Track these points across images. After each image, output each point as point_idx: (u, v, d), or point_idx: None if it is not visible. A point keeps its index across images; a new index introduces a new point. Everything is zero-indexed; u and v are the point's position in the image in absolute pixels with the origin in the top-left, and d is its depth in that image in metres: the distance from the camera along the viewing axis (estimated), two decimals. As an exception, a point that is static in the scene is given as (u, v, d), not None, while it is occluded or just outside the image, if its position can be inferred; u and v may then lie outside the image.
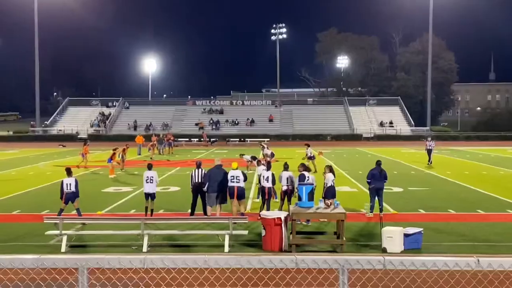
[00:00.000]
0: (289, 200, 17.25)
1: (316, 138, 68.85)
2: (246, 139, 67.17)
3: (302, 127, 75.54)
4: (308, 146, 32.26)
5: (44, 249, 13.80)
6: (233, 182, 17.43)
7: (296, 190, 16.43)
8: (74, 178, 17.02)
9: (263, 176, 18.10)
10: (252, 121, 77.53)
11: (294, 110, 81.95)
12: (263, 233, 13.69)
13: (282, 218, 13.62)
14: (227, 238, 13.67)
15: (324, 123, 76.40)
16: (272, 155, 31.35)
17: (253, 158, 28.69)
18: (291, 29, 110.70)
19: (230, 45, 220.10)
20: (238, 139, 67.70)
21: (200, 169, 18.21)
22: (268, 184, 17.81)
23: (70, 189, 16.60)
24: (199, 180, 17.91)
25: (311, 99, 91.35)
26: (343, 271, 3.91)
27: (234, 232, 13.96)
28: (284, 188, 17.58)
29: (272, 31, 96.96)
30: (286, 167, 18.28)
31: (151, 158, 39.96)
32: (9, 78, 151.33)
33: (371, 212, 18.01)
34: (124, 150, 33.65)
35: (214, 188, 17.44)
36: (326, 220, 16.41)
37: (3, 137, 75.76)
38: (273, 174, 18.15)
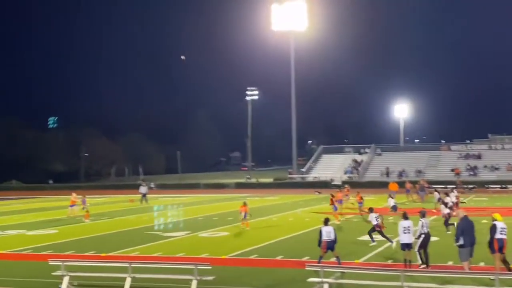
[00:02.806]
0: None
1: None
2: (507, 186, 62.27)
3: None
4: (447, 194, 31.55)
5: (306, 296, 14.31)
6: (502, 234, 16.16)
7: None
8: (332, 227, 17.54)
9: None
10: (514, 166, 71.82)
11: None
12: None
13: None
14: (494, 296, 12.73)
15: None
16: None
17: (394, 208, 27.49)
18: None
19: (487, 84, 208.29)
20: (498, 186, 63.12)
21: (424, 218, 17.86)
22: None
23: (330, 237, 17.13)
24: (426, 231, 17.45)
25: None
26: None
27: (501, 289, 12.92)
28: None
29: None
30: None
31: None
32: (268, 128, 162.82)
33: None
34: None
35: (469, 241, 16.42)
36: None
37: (265, 184, 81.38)
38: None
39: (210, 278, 15.09)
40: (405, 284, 13.47)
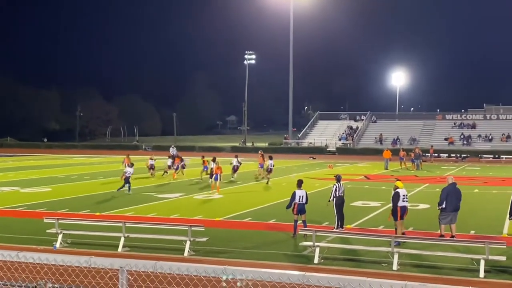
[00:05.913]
0: None
1: None
2: (501, 156, 62.70)
3: None
4: (271, 158, 34.18)
5: (298, 259, 14.52)
6: (405, 201, 16.76)
7: None
8: (305, 191, 17.70)
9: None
10: (508, 137, 72.11)
11: (559, 125, 74.14)
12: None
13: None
14: (482, 263, 12.94)
15: None
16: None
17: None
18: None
19: (484, 55, 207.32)
20: (491, 156, 63.54)
21: (339, 183, 18.43)
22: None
23: (302, 201, 17.26)
24: (338, 195, 18.00)
25: None
26: None
27: (491, 257, 13.14)
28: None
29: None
30: None
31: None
32: (265, 92, 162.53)
33: None
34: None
35: (452, 207, 16.71)
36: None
37: (260, 148, 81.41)
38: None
39: (204, 239, 15.29)
40: (396, 250, 13.68)
